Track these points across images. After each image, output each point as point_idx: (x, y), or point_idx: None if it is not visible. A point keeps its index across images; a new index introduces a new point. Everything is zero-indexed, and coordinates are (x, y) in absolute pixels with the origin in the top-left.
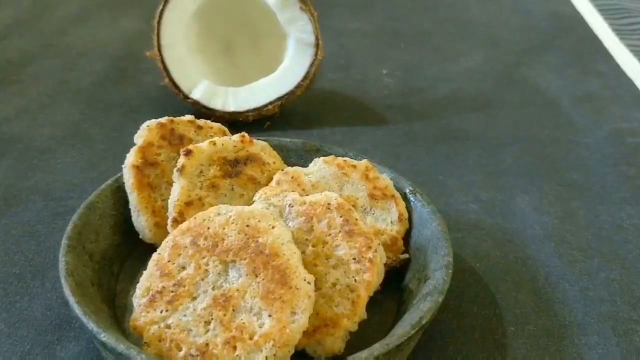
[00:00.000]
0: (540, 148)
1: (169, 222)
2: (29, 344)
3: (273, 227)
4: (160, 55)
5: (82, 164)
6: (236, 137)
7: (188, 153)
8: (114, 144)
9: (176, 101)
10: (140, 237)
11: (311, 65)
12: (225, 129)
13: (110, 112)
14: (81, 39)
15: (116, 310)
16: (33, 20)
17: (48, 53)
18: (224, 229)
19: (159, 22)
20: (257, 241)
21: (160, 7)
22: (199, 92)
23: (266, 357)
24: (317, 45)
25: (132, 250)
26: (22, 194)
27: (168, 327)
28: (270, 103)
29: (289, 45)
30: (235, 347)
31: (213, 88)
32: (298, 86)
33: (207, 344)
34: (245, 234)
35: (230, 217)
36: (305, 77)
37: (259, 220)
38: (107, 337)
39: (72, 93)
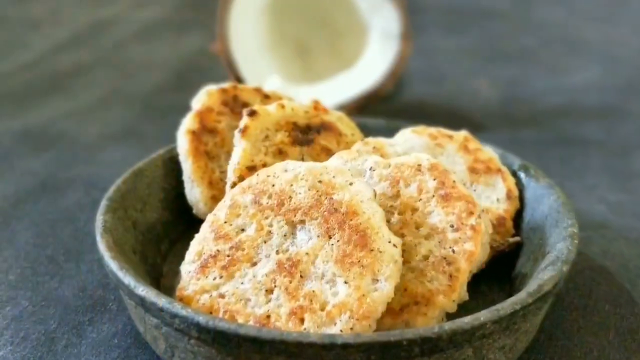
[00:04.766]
0: None
1: (227, 188)
2: (54, 323)
3: (351, 184)
4: (226, 49)
5: (132, 158)
6: (308, 102)
7: (252, 114)
8: (167, 141)
9: None
10: (194, 212)
11: (396, 60)
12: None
13: (167, 114)
14: (140, 54)
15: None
16: (90, 37)
17: (104, 65)
18: (291, 185)
19: (224, 14)
20: (332, 198)
21: None
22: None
23: (341, 331)
24: (403, 38)
25: (185, 232)
26: (61, 182)
27: (222, 296)
28: (347, 104)
29: (371, 38)
30: (302, 319)
31: (282, 87)
32: (380, 85)
33: (268, 316)
34: (317, 191)
35: (300, 172)
36: (388, 74)
37: (333, 176)
38: (146, 291)
39: (128, 99)
